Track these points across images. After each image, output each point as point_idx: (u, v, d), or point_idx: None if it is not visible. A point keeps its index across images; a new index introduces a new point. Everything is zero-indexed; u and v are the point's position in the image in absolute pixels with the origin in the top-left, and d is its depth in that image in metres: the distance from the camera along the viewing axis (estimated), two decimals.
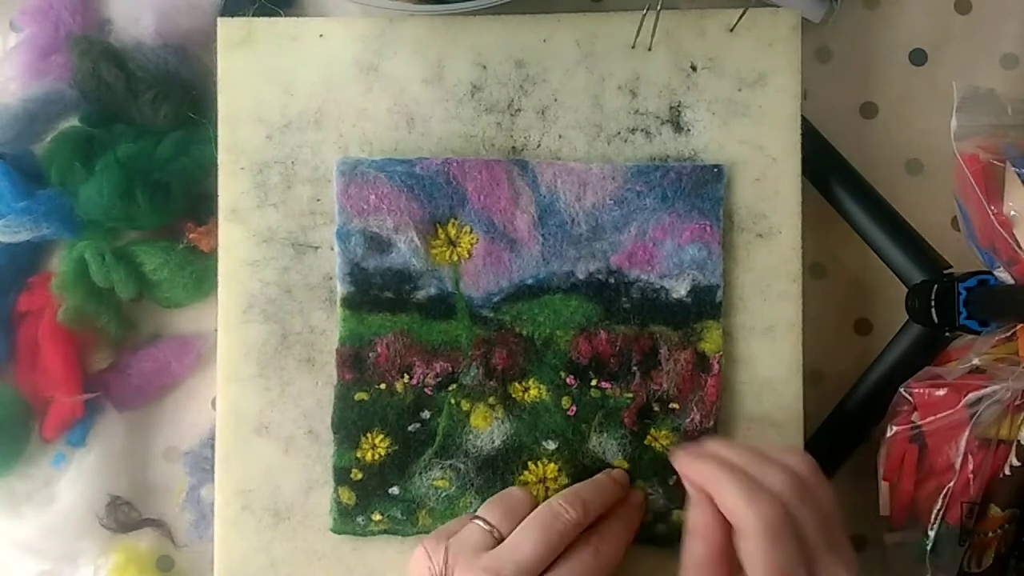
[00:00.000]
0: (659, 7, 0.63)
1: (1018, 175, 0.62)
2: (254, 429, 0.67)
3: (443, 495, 0.65)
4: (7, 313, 0.71)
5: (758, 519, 0.54)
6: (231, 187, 0.67)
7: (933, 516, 0.63)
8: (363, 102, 0.67)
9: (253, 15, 0.68)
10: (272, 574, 0.66)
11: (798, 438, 0.66)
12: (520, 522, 0.60)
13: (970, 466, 0.62)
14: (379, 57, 0.67)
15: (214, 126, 0.68)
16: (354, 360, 0.66)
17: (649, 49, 0.67)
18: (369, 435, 0.66)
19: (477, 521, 0.60)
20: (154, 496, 0.72)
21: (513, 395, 0.66)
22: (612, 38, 0.67)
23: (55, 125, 0.71)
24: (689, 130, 0.67)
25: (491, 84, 0.67)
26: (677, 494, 0.65)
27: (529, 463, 0.65)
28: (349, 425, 0.66)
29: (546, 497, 0.64)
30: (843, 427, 0.68)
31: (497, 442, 0.65)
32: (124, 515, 0.71)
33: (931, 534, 0.63)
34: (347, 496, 0.66)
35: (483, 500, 0.64)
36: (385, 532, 0.66)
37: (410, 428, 0.66)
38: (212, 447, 0.68)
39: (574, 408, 0.65)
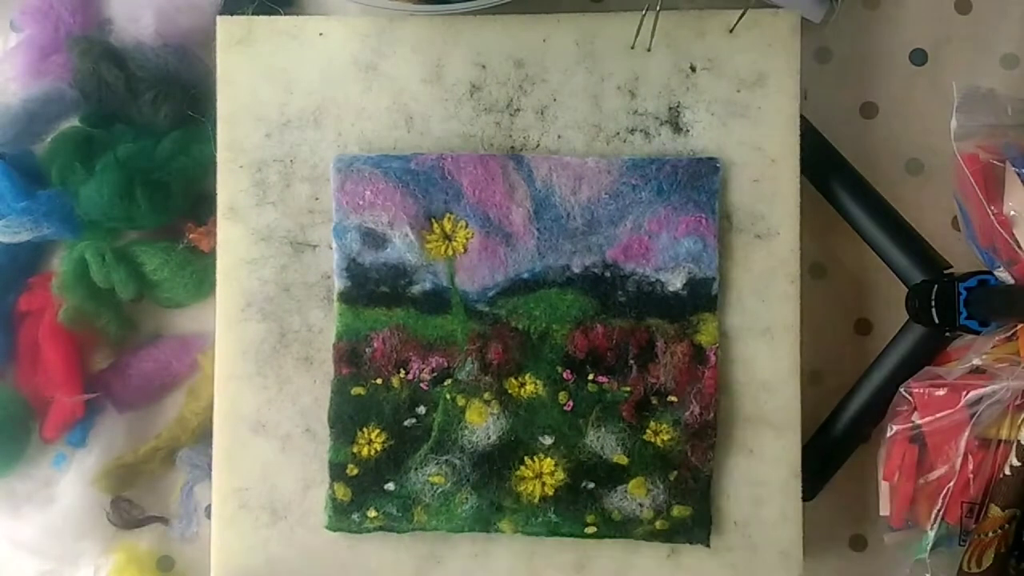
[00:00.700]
0: (659, 8, 0.63)
1: (1018, 175, 0.62)
2: (251, 427, 0.67)
3: (439, 491, 0.65)
4: (8, 313, 0.71)
5: None
6: (230, 185, 0.67)
7: (933, 516, 0.63)
8: (362, 101, 0.67)
9: (253, 14, 0.69)
10: (269, 572, 0.66)
11: (795, 439, 0.66)
12: None
13: (970, 466, 0.62)
14: (378, 56, 0.67)
15: (213, 125, 0.68)
16: (351, 355, 0.66)
17: (648, 50, 0.67)
18: (365, 430, 0.66)
19: None
20: (154, 495, 0.72)
21: (509, 390, 0.65)
22: (612, 38, 0.67)
23: (55, 125, 0.72)
24: (688, 131, 0.67)
25: (490, 84, 0.67)
26: (678, 489, 0.65)
27: (525, 458, 0.65)
28: (345, 420, 0.66)
29: (543, 492, 0.65)
30: (843, 427, 0.68)
31: (493, 438, 0.65)
32: (127, 512, 0.71)
33: (931, 534, 0.63)
34: (342, 492, 0.65)
35: (479, 496, 0.65)
36: (380, 529, 0.66)
37: (406, 423, 0.66)
38: (209, 445, 0.68)
39: (571, 403, 0.65)
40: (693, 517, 0.65)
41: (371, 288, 0.66)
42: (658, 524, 0.65)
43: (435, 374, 0.66)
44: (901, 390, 0.65)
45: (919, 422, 0.64)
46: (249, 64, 0.67)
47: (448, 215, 0.66)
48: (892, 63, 0.72)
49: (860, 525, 0.70)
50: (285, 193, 0.67)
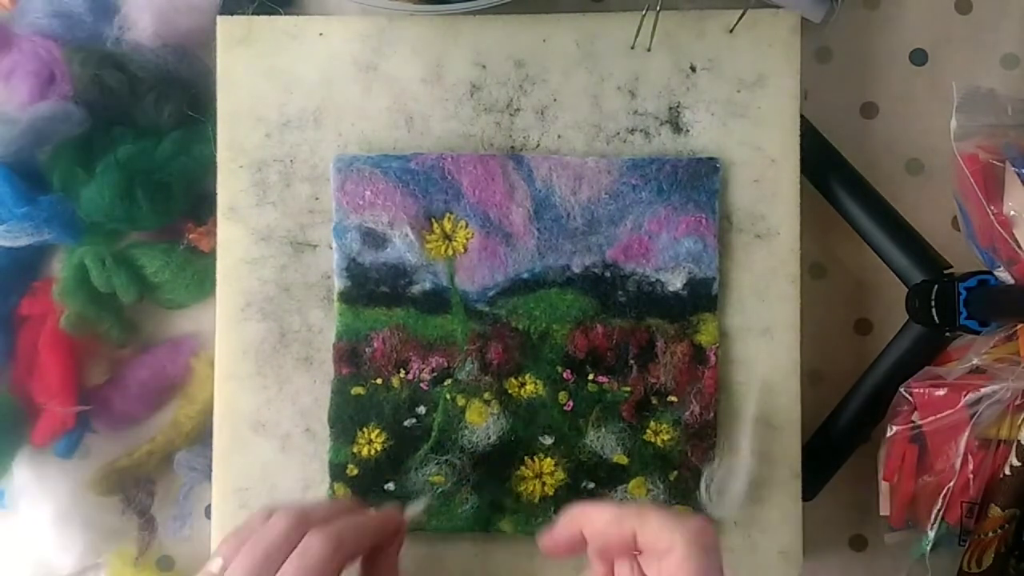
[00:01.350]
0: (659, 8, 0.63)
1: (1018, 175, 0.62)
2: (251, 427, 0.67)
3: (439, 491, 0.65)
4: (8, 316, 0.71)
5: (687, 531, 0.51)
6: (230, 185, 0.67)
7: (933, 516, 0.63)
8: (362, 101, 0.67)
9: (253, 14, 0.69)
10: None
11: (796, 439, 0.66)
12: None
13: (970, 466, 0.62)
14: (379, 56, 0.67)
15: (214, 125, 0.68)
16: (351, 355, 0.66)
17: (648, 50, 0.67)
18: (365, 430, 0.66)
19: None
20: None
21: (509, 390, 0.65)
22: (612, 38, 0.67)
23: (60, 140, 0.71)
24: (688, 131, 0.67)
25: (490, 84, 0.67)
26: (678, 489, 0.65)
27: (526, 458, 0.65)
28: (345, 420, 0.66)
29: (543, 492, 0.65)
30: (843, 427, 0.68)
31: (493, 438, 0.65)
32: (143, 501, 0.71)
33: (931, 534, 0.63)
34: (342, 492, 0.65)
35: (479, 496, 0.65)
36: None
37: (406, 423, 0.66)
38: (207, 447, 0.68)
39: (571, 403, 0.65)
40: None
41: (371, 288, 0.66)
42: None
43: (435, 374, 0.66)
44: (901, 390, 0.65)
45: (919, 422, 0.64)
46: (249, 64, 0.67)
47: (448, 215, 0.66)
48: (892, 63, 0.72)
49: (860, 525, 0.70)
50: (285, 193, 0.67)
